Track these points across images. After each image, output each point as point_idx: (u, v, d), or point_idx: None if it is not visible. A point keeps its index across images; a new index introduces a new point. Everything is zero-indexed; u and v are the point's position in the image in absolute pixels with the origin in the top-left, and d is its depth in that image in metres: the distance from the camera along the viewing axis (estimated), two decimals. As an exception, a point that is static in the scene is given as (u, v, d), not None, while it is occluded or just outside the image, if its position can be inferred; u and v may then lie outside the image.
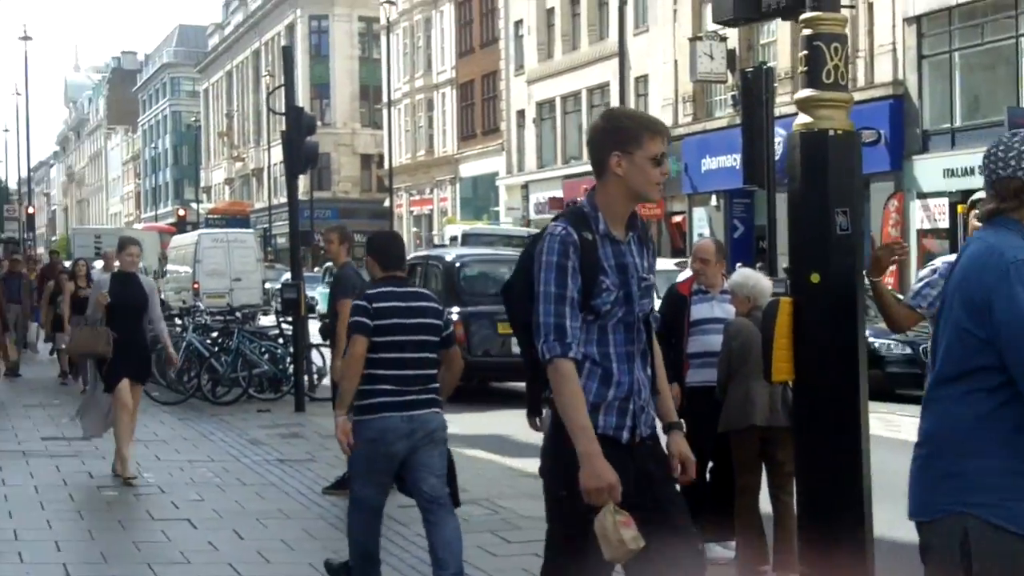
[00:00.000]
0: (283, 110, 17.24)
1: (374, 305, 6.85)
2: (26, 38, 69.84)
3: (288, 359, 17.82)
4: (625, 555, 4.31)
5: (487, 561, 8.24)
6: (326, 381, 18.32)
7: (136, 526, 9.13)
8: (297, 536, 8.89)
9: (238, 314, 18.91)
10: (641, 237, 4.61)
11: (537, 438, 16.03)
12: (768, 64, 21.52)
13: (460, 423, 15.61)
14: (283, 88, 17.30)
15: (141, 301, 11.35)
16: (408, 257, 20.45)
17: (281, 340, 18.30)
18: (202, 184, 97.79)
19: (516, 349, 17.69)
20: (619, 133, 4.47)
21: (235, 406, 16.91)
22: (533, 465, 12.37)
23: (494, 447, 14.01)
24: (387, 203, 60.14)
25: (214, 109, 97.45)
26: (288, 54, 18.02)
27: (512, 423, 16.51)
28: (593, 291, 4.40)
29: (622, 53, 36.44)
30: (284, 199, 74.46)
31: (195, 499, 10.22)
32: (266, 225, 65.89)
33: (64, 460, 12.08)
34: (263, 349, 18.00)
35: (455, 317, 16.28)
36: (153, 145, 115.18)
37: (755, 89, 17.15)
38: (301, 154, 16.60)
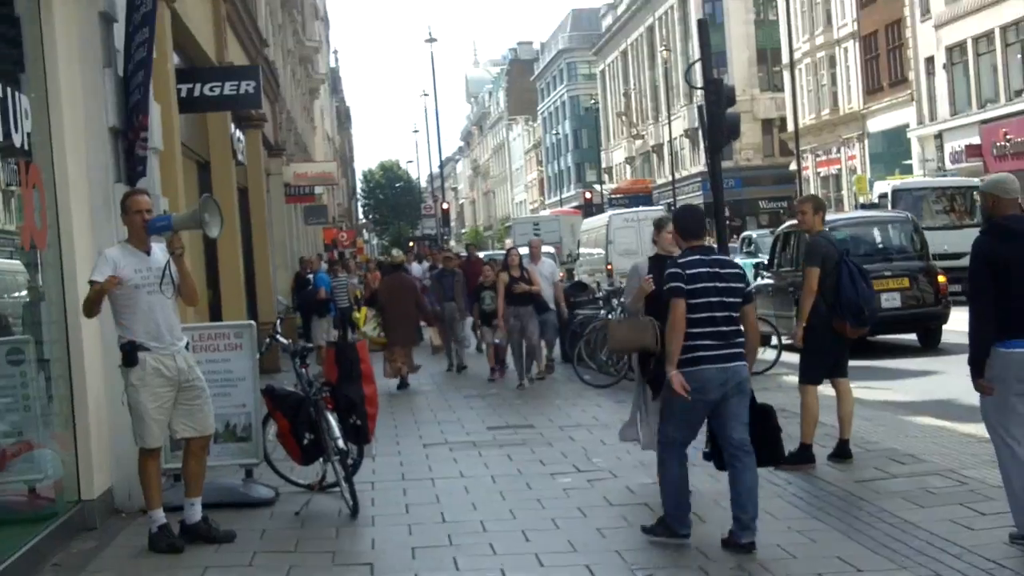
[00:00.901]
0: (699, 83, 17.08)
1: (687, 272, 7.77)
2: (431, 40, 72.82)
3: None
4: None
5: (962, 535, 7.85)
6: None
7: (596, 512, 9.14)
8: (760, 516, 8.63)
9: (614, 302, 18.89)
10: None
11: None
12: None
13: (903, 389, 15.14)
14: (699, 62, 17.13)
15: None
16: (783, 226, 21.32)
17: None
18: (603, 165, 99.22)
19: (886, 303, 17.29)
20: None
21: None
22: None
23: (942, 412, 13.38)
24: (792, 166, 59.05)
25: (611, 90, 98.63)
26: (703, 27, 17.78)
27: (955, 385, 15.84)
28: None
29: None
30: (686, 172, 75.06)
31: (648, 483, 10.12)
32: (669, 200, 65.99)
33: (514, 449, 12.33)
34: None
35: None
36: (554, 131, 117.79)
37: None
38: (723, 127, 16.46)
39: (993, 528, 7.98)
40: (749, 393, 7.93)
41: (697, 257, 7.91)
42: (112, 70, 9.88)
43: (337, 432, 9.45)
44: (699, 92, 65.33)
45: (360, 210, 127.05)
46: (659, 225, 9.90)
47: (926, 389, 15.31)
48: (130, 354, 8.27)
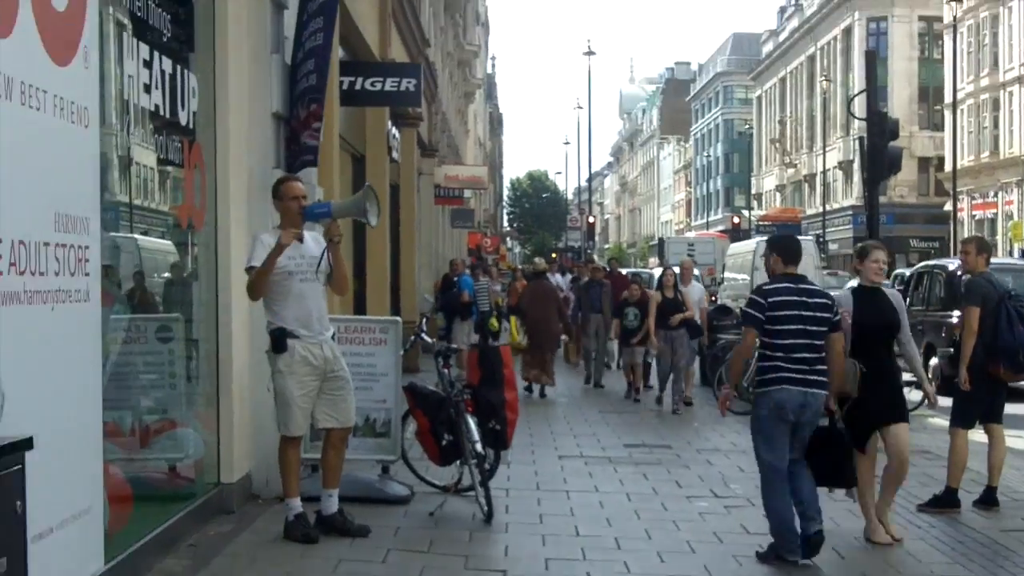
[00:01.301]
0: (862, 115, 16.82)
1: (769, 300, 8.14)
2: (590, 53, 72.86)
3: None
4: None
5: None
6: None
7: (733, 539, 8.92)
8: (901, 559, 8.42)
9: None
10: None
11: None
12: None
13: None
14: (863, 93, 16.83)
15: (892, 320, 9.10)
16: (919, 265, 21.50)
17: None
18: (753, 191, 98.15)
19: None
20: None
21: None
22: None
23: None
24: (947, 207, 57.82)
25: (766, 116, 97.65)
26: (871, 59, 17.49)
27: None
28: None
29: None
30: (836, 205, 73.96)
31: (787, 513, 9.97)
32: (819, 231, 65.07)
33: (650, 468, 12.17)
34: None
35: (954, 319, 17.37)
36: (705, 153, 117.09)
37: None
38: (884, 160, 16.17)
39: None
40: (817, 424, 8.34)
41: (785, 285, 8.24)
42: (280, 56, 9.94)
43: (476, 435, 9.38)
44: (857, 124, 64.37)
45: (505, 217, 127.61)
46: (862, 254, 9.28)
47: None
48: (279, 340, 8.28)
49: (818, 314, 8.13)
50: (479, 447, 9.35)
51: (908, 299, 20.47)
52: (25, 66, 5.28)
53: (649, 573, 7.91)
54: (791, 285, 8.22)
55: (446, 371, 9.89)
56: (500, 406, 9.70)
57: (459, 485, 10.04)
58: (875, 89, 16.84)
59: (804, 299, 8.16)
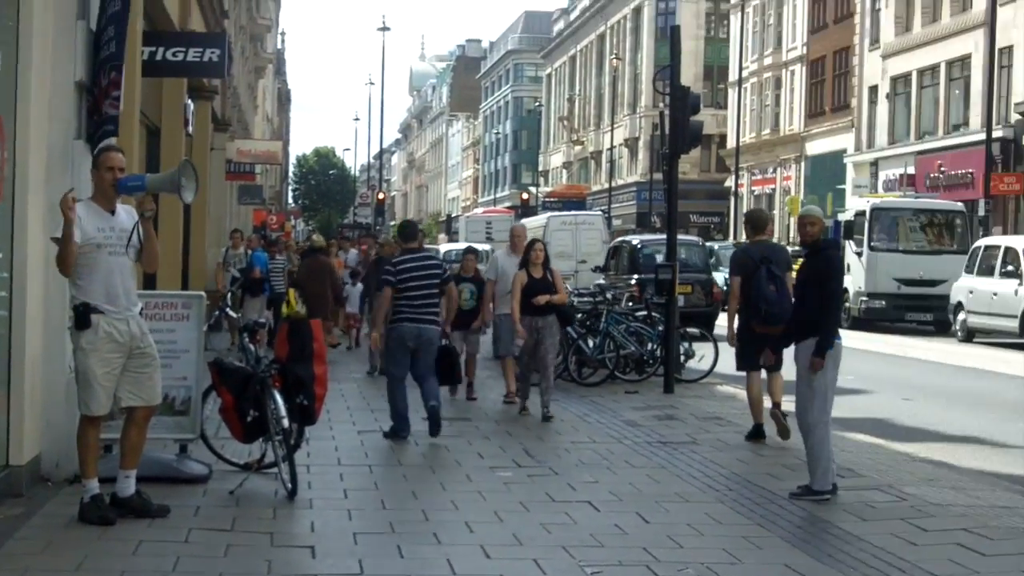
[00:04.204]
0: (666, 90, 17.12)
1: (397, 267, 12.28)
2: (384, 28, 72.51)
3: (655, 341, 17.67)
4: None
5: (907, 551, 7.88)
6: (692, 363, 18.19)
7: (540, 507, 9.04)
8: (702, 520, 8.67)
9: (608, 295, 18.79)
10: None
11: (921, 420, 15.66)
12: None
13: (838, 406, 15.22)
14: (668, 68, 17.13)
15: None
16: (614, 241, 32.34)
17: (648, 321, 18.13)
18: (540, 168, 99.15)
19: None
20: None
21: (602, 388, 16.80)
22: (925, 449, 12.02)
23: (878, 431, 13.70)
24: (728, 183, 59.40)
25: (556, 94, 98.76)
26: (676, 34, 17.75)
27: (887, 406, 16.00)
28: None
29: (993, 22, 34.49)
30: (622, 181, 75.22)
31: (589, 481, 10.15)
32: (604, 207, 66.16)
33: (450, 441, 12.20)
34: (631, 330, 17.86)
35: (633, 281, 22.52)
36: (495, 130, 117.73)
37: None
38: (686, 134, 16.52)
39: (936, 544, 8.06)
40: (435, 344, 12.47)
41: (408, 257, 12.51)
42: (85, 23, 9.57)
43: (283, 411, 9.26)
44: (644, 103, 65.49)
45: (290, 194, 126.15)
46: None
47: (858, 406, 15.43)
48: (83, 316, 8.00)
49: (431, 271, 12.38)
50: (285, 423, 9.23)
51: (609, 269, 28.08)
52: None
53: (458, 542, 7.95)
54: (412, 256, 12.47)
55: (253, 346, 9.74)
56: (309, 381, 9.59)
57: (262, 462, 9.90)
58: (678, 64, 17.13)
59: (423, 263, 12.46)
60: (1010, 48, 38.37)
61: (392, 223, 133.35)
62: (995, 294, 25.80)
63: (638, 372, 17.80)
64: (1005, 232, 35.45)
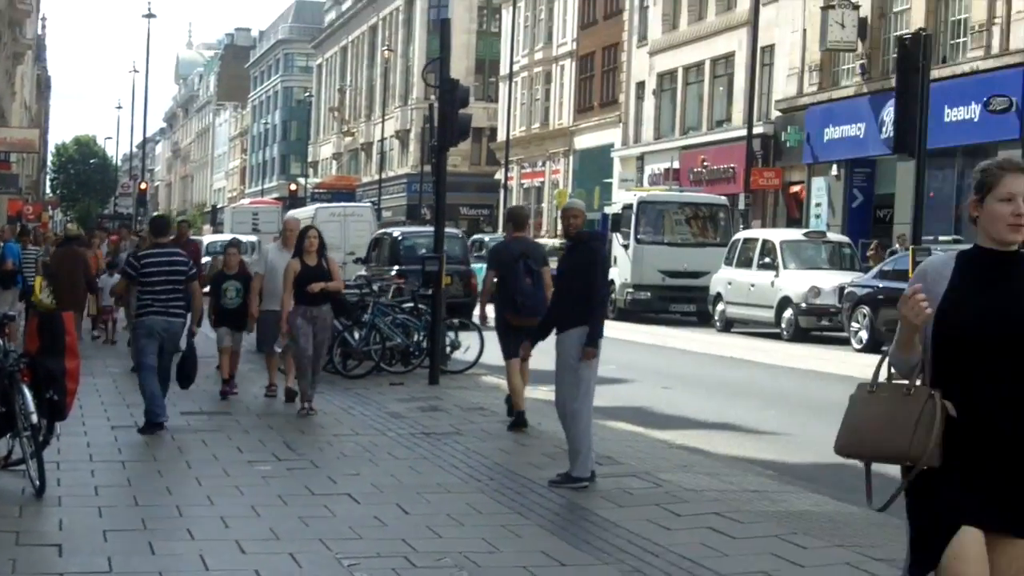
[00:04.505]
0: (435, 83, 17.14)
1: (140, 261, 12.39)
2: (150, 16, 70.71)
3: (421, 332, 17.66)
4: None
5: (660, 535, 8.07)
6: (458, 354, 18.24)
7: (298, 501, 8.92)
8: (463, 511, 8.68)
9: (375, 287, 18.69)
10: None
11: (680, 408, 16.28)
12: (922, 31, 20.94)
13: (599, 396, 15.47)
14: (438, 61, 17.18)
15: None
16: (377, 232, 32.74)
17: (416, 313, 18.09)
18: (309, 159, 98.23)
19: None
20: None
21: (367, 380, 16.71)
22: (682, 437, 12.33)
23: (638, 419, 13.94)
24: (498, 176, 59.89)
25: (327, 84, 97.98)
26: (446, 27, 17.83)
27: (647, 395, 16.34)
28: None
29: (756, 21, 35.56)
30: (392, 173, 75.12)
31: (351, 473, 10.08)
32: (374, 199, 65.97)
33: (209, 435, 11.99)
34: (397, 322, 17.80)
35: (393, 272, 24.04)
36: (263, 120, 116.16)
37: (912, 56, 16.92)
38: (455, 127, 16.57)
39: (688, 529, 8.26)
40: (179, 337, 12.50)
41: (155, 251, 12.64)
42: None
43: (32, 406, 8.90)
44: (415, 95, 65.36)
45: (49, 184, 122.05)
46: None
47: (619, 395, 15.71)
48: None
49: (177, 267, 12.28)
50: (34, 418, 8.88)
51: (370, 261, 28.69)
52: None
53: (214, 538, 7.79)
54: (159, 251, 12.57)
55: (1, 340, 9.35)
56: (60, 375, 9.29)
57: (9, 459, 9.52)
58: (448, 57, 17.22)
59: (169, 259, 12.36)
60: (772, 47, 39.57)
61: (155, 214, 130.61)
62: (752, 285, 26.67)
63: (404, 364, 17.75)
64: (764, 225, 36.70)
